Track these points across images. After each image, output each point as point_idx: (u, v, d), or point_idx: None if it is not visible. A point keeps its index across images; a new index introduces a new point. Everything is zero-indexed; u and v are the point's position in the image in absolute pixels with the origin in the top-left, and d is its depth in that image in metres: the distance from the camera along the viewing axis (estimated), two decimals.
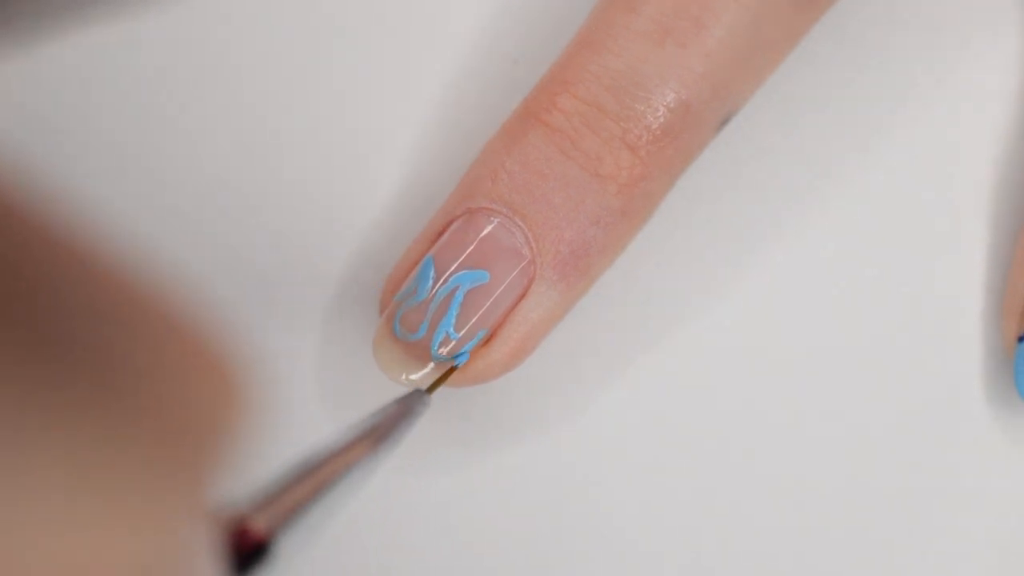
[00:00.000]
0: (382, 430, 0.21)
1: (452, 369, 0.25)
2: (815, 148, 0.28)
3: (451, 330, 0.24)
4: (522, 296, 0.25)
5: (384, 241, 0.29)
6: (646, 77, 0.24)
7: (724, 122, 0.26)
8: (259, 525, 0.16)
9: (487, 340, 0.25)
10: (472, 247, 0.25)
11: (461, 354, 0.25)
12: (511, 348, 0.25)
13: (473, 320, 0.24)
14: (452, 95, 0.29)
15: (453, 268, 0.25)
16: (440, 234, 0.25)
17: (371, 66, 0.29)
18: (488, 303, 0.25)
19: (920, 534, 0.27)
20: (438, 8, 0.29)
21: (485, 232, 0.25)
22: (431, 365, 0.25)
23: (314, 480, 0.18)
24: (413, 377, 0.25)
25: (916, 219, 0.27)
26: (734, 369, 0.27)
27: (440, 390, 0.26)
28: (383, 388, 0.28)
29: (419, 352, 0.25)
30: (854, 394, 0.27)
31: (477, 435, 0.28)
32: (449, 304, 0.24)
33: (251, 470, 0.15)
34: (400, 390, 0.25)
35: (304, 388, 0.28)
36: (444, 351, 0.24)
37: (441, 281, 0.24)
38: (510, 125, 0.25)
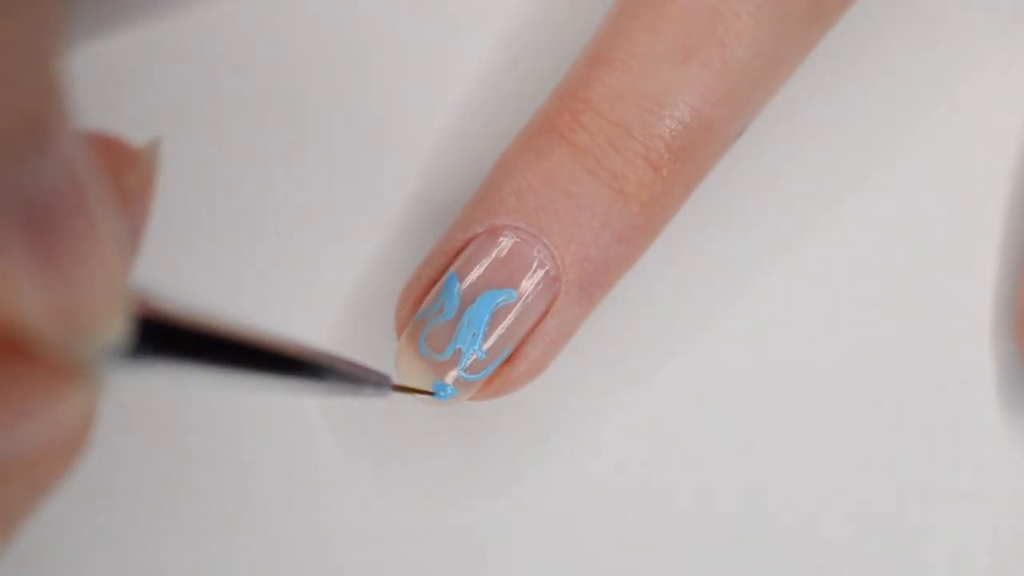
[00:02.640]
0: (330, 366, 0.18)
1: (419, 391, 0.25)
2: (825, 159, 0.28)
3: (479, 350, 0.24)
4: (546, 312, 0.25)
5: (387, 243, 0.28)
6: (670, 97, 0.24)
7: (739, 134, 0.26)
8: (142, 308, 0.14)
9: (510, 356, 0.25)
10: (499, 266, 0.25)
11: (484, 372, 0.25)
12: (533, 362, 0.25)
13: (500, 340, 0.25)
14: (452, 95, 0.29)
15: (480, 287, 0.25)
16: (460, 250, 0.25)
17: (369, 66, 0.29)
18: (515, 322, 0.25)
19: (932, 542, 0.27)
20: (438, 8, 0.29)
21: (512, 251, 0.25)
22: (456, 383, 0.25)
23: (232, 334, 0.16)
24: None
25: (926, 227, 0.28)
26: (744, 378, 0.28)
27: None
28: (392, 399, 0.28)
29: (445, 372, 0.25)
30: (864, 403, 0.28)
31: (490, 445, 0.28)
32: (477, 324, 0.24)
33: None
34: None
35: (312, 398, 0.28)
36: (470, 371, 0.25)
37: (469, 301, 0.25)
38: (531, 141, 0.25)
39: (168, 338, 0.15)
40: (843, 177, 0.28)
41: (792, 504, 0.28)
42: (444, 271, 0.25)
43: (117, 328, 0.14)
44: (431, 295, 0.25)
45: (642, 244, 0.25)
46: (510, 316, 0.25)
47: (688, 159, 0.25)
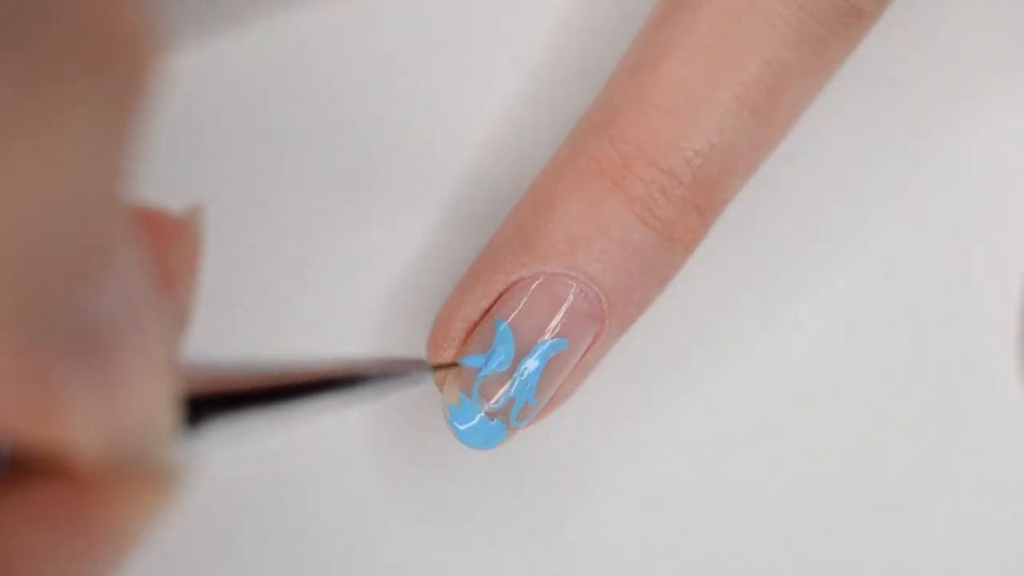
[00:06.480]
0: (366, 372, 0.19)
1: (454, 364, 0.25)
2: (843, 177, 0.28)
3: (531, 399, 0.25)
4: (588, 350, 0.25)
5: (388, 244, 0.28)
6: (720, 147, 0.24)
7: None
8: (193, 384, 0.15)
9: None
10: (551, 314, 0.24)
11: (532, 416, 0.25)
12: (565, 394, 0.26)
13: (549, 385, 0.25)
14: (453, 96, 0.28)
15: (534, 337, 0.24)
16: (501, 292, 0.25)
17: (367, 65, 0.27)
18: (563, 367, 0.25)
19: (937, 544, 0.29)
20: (439, 8, 0.27)
21: (568, 302, 0.24)
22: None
23: (270, 378, 0.17)
24: None
25: (949, 242, 0.29)
26: (758, 389, 0.28)
27: None
28: (426, 417, 0.28)
29: (495, 418, 0.25)
30: (878, 411, 0.29)
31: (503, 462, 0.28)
32: (533, 376, 0.24)
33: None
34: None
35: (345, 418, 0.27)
36: (521, 417, 0.25)
37: (523, 351, 0.24)
38: (583, 185, 0.24)
39: (215, 407, 0.15)
40: (860, 189, 0.28)
41: (799, 509, 0.29)
42: (486, 312, 0.25)
43: (167, 431, 0.14)
44: (478, 340, 0.25)
45: (674, 276, 0.26)
46: (562, 363, 0.25)
47: (726, 200, 0.25)
